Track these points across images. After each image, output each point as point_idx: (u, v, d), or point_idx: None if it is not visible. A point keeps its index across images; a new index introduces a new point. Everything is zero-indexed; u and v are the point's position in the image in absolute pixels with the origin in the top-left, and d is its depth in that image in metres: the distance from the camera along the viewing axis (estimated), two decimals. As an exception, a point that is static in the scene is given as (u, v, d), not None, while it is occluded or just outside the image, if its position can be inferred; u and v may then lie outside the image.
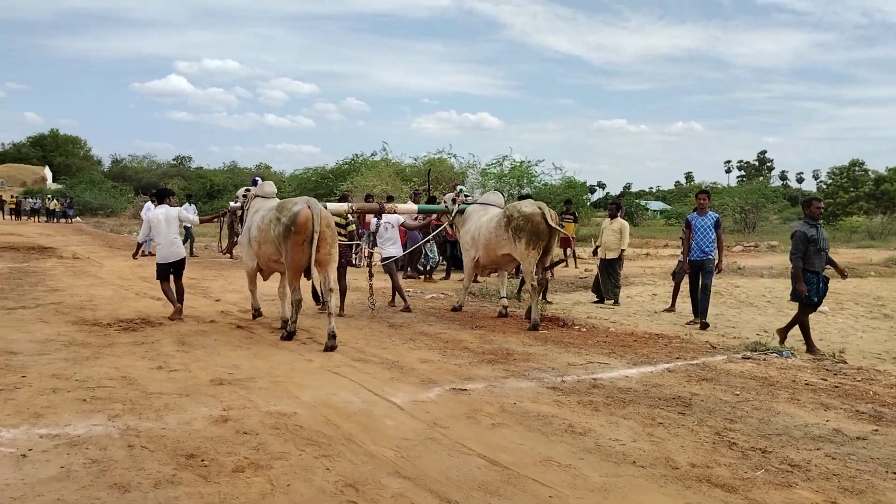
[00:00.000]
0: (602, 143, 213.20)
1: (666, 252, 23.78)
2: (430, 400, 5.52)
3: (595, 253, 11.73)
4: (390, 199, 17.56)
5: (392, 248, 10.62)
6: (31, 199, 48.92)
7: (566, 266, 17.45)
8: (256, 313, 9.14)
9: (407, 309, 10.17)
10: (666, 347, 7.80)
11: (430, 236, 12.65)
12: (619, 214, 11.50)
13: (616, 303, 11.11)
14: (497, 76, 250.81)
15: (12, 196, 52.77)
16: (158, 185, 54.66)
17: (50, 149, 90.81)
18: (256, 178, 9.20)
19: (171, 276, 9.14)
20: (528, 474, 4.03)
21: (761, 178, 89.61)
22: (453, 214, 10.56)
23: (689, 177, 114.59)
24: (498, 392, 5.79)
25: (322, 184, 32.44)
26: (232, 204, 10.05)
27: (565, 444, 4.55)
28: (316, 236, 7.42)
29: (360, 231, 12.57)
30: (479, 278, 13.73)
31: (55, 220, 42.00)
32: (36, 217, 44.60)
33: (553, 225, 8.80)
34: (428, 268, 14.58)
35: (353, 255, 12.08)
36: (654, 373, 6.59)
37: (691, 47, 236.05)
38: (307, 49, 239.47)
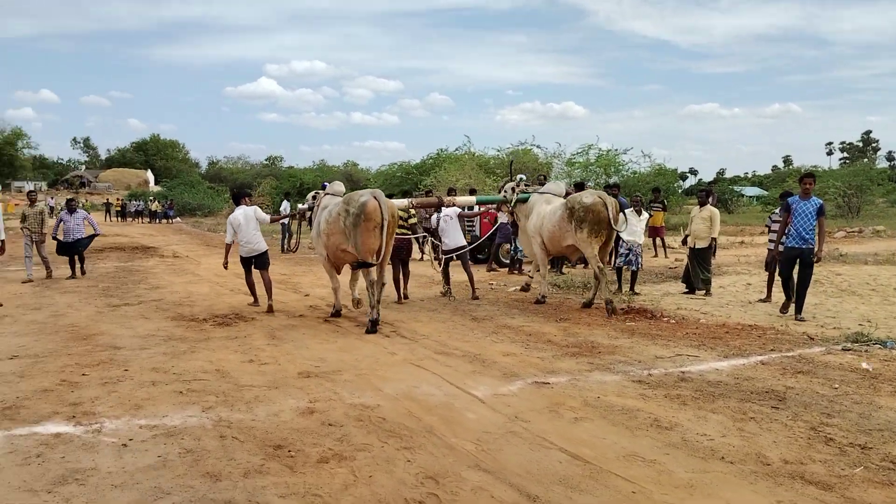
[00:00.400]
0: (693, 128, 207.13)
1: (762, 240, 22.77)
2: (512, 393, 5.50)
3: (684, 242, 11.33)
4: (473, 191, 17.80)
5: (455, 237, 10.88)
6: (134, 202, 51.71)
7: (656, 256, 17.02)
8: (336, 313, 9.23)
9: (474, 297, 10.57)
10: (760, 339, 7.49)
11: (493, 228, 13.69)
12: (709, 202, 11.10)
13: (708, 293, 10.73)
14: (582, 65, 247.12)
15: (118, 199, 55.87)
16: (250, 184, 56.79)
17: (152, 153, 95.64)
18: (325, 183, 9.82)
19: (253, 269, 9.90)
20: (611, 469, 3.96)
21: (866, 159, 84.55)
22: (513, 204, 10.71)
23: (787, 161, 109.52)
24: (581, 385, 5.71)
25: (407, 179, 32.81)
26: (300, 206, 10.62)
27: (650, 439, 4.44)
28: (385, 223, 8.03)
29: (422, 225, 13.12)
30: (564, 269, 13.60)
31: (157, 220, 44.18)
32: (139, 218, 47.08)
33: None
34: (517, 259, 14.43)
35: (420, 249, 12.29)
36: (747, 365, 6.35)
37: (787, 25, 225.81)
38: (391, 47, 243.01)
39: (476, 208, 12.30)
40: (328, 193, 9.36)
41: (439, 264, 11.13)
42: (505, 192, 10.82)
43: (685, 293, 10.91)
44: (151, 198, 53.01)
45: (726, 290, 11.33)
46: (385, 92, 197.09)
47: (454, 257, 10.93)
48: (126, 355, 6.83)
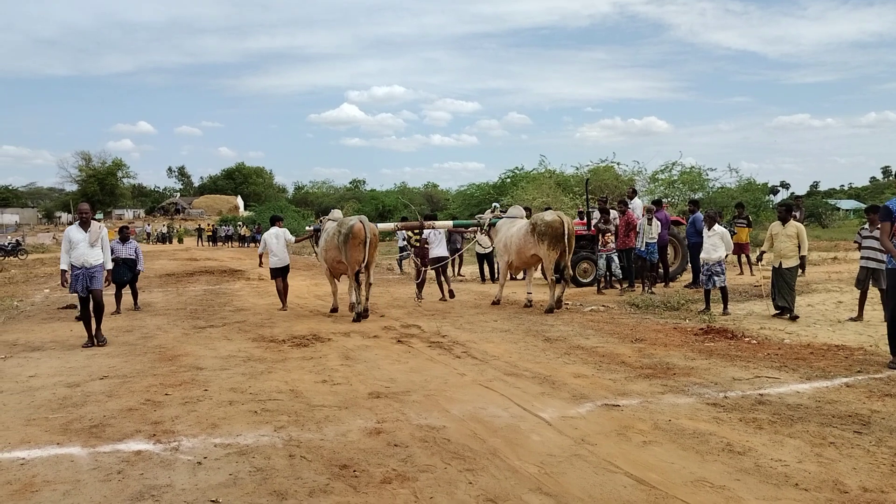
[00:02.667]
0: (783, 140, 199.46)
1: (856, 255, 21.69)
2: (580, 416, 5.42)
3: (759, 259, 10.69)
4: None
5: (438, 249, 13.30)
6: (224, 227, 53.80)
7: (741, 273, 16.45)
8: (334, 310, 11.73)
9: (445, 299, 12.93)
10: (846, 360, 7.12)
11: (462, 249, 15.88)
12: (793, 217, 10.51)
13: (792, 316, 9.85)
14: (664, 79, 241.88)
15: (209, 224, 58.28)
16: (334, 206, 58.30)
17: (239, 180, 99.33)
18: (331, 208, 12.82)
19: (281, 278, 12.53)
20: (677, 494, 3.84)
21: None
22: (484, 226, 13.16)
23: (886, 171, 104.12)
24: (653, 408, 5.58)
25: (485, 199, 32.91)
26: (307, 228, 13.43)
27: (721, 464, 4.29)
28: (368, 241, 10.52)
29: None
30: (647, 289, 13.31)
31: (246, 244, 45.81)
32: (229, 242, 48.94)
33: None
34: (611, 278, 14.08)
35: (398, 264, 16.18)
36: (830, 388, 6.05)
37: (881, 31, 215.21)
38: (469, 69, 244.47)
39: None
40: (331, 219, 11.85)
41: (417, 275, 13.67)
42: (481, 218, 13.39)
43: (777, 315, 10.13)
44: (240, 223, 55.11)
45: (815, 308, 10.84)
46: (463, 113, 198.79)
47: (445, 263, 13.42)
48: (207, 376, 7.10)
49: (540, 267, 12.12)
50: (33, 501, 3.95)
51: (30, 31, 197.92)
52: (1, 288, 18.21)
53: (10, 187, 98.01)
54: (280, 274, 12.56)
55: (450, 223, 14.58)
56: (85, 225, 8.92)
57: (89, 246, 8.81)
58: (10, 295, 16.08)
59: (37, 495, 4.04)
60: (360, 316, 10.57)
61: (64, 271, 8.93)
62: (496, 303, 12.22)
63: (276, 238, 12.52)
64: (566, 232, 11.01)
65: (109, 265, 9.20)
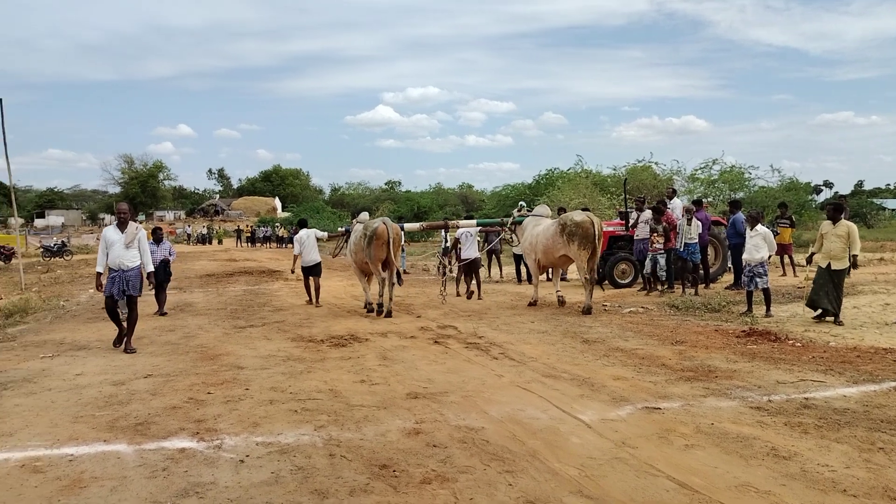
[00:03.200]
0: (827, 138, 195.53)
1: (905, 256, 21.14)
2: (620, 418, 5.37)
3: (809, 261, 10.34)
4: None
5: (469, 251, 13.94)
6: (263, 228, 54.46)
7: (784, 275, 16.14)
8: (368, 307, 12.09)
9: (479, 297, 13.47)
10: (895, 364, 6.94)
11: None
12: (843, 216, 10.05)
13: (837, 320, 9.52)
14: (702, 77, 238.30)
15: (248, 226, 59.07)
16: (369, 207, 58.85)
17: (277, 182, 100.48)
18: (358, 212, 13.16)
19: (311, 276, 13.38)
20: (720, 499, 3.78)
21: None
22: (509, 225, 13.20)
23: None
24: (694, 411, 5.50)
25: (519, 200, 32.81)
26: (340, 229, 14.16)
27: (766, 469, 4.21)
28: (391, 241, 11.16)
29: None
30: (687, 291, 13.13)
31: (284, 245, 46.32)
32: (268, 243, 49.52)
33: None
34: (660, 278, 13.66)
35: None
36: (878, 392, 5.90)
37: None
38: (504, 69, 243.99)
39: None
40: (358, 222, 12.50)
41: (451, 272, 14.43)
42: (510, 216, 13.36)
43: (818, 318, 9.77)
44: (278, 224, 55.74)
45: (861, 310, 10.58)
46: (498, 114, 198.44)
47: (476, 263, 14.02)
48: (248, 375, 7.20)
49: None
50: (82, 497, 4.05)
51: (75, 37, 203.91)
52: (47, 288, 18.69)
53: (56, 189, 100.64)
54: (311, 273, 13.40)
55: (472, 222, 14.84)
56: (122, 225, 8.65)
57: (124, 247, 8.53)
58: (56, 295, 16.48)
59: (85, 491, 4.13)
60: (388, 314, 11.25)
61: (99, 274, 8.74)
62: (533, 304, 12.21)
63: (308, 238, 13.46)
64: (595, 233, 11.11)
65: (150, 267, 8.96)
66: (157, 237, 12.81)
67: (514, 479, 4.17)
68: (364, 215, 12.84)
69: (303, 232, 13.61)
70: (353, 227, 12.53)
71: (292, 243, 47.77)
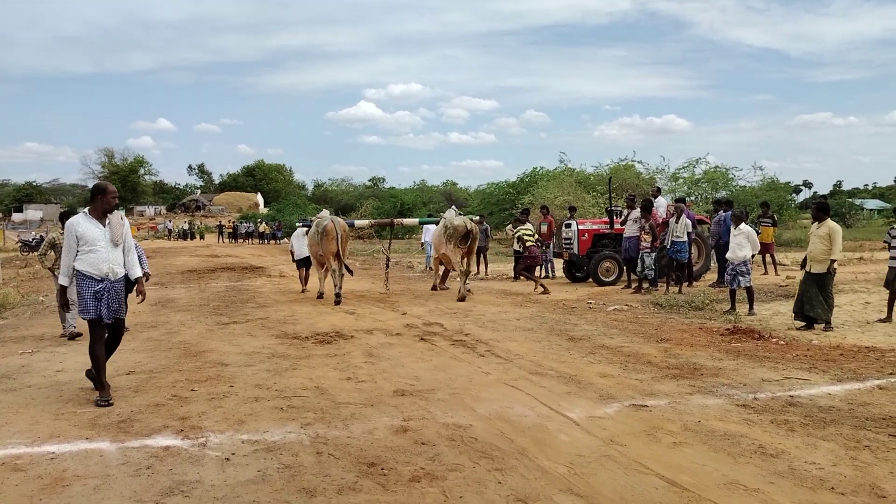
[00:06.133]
0: (805, 139, 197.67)
1: (882, 255, 21.37)
2: (608, 416, 5.37)
3: (803, 265, 9.48)
4: (572, 208, 17.77)
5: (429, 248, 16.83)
6: (245, 224, 54.06)
7: (766, 273, 16.28)
8: (320, 295, 13.84)
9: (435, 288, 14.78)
10: (878, 362, 7.01)
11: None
12: (826, 216, 9.38)
13: (828, 326, 9.03)
14: (684, 77, 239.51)
15: (230, 221, 58.64)
16: (355, 205, 58.75)
17: (259, 177, 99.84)
18: (320, 209, 15.10)
19: (305, 269, 15.28)
20: (710, 497, 3.79)
21: None
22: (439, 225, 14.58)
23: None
24: (681, 409, 5.52)
25: (504, 198, 32.82)
26: (298, 224, 15.88)
27: (754, 467, 4.23)
28: (339, 236, 12.71)
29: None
30: (671, 289, 13.19)
31: (266, 241, 46.03)
32: (250, 239, 49.18)
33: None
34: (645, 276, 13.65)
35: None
36: (863, 390, 5.95)
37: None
38: (487, 66, 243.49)
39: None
40: (317, 219, 13.83)
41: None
42: (444, 216, 14.34)
43: (802, 328, 9.14)
44: (260, 220, 55.35)
45: (842, 309, 10.68)
46: (481, 111, 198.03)
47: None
48: (232, 372, 7.12)
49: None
50: (64, 496, 3.97)
51: (54, 28, 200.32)
52: (26, 283, 18.42)
53: (34, 184, 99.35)
54: (302, 264, 15.35)
55: (414, 220, 19.63)
56: (104, 217, 6.03)
57: (112, 246, 6.01)
58: (35, 290, 16.25)
59: (67, 489, 4.05)
60: (338, 297, 12.69)
61: (64, 289, 6.14)
62: (434, 289, 14.47)
63: (299, 236, 15.25)
64: (470, 234, 13.13)
65: (139, 271, 6.38)
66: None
67: (503, 476, 4.15)
68: (325, 213, 14.15)
69: (297, 231, 15.55)
70: (314, 224, 13.88)
71: (276, 239, 47.26)
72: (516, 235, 15.00)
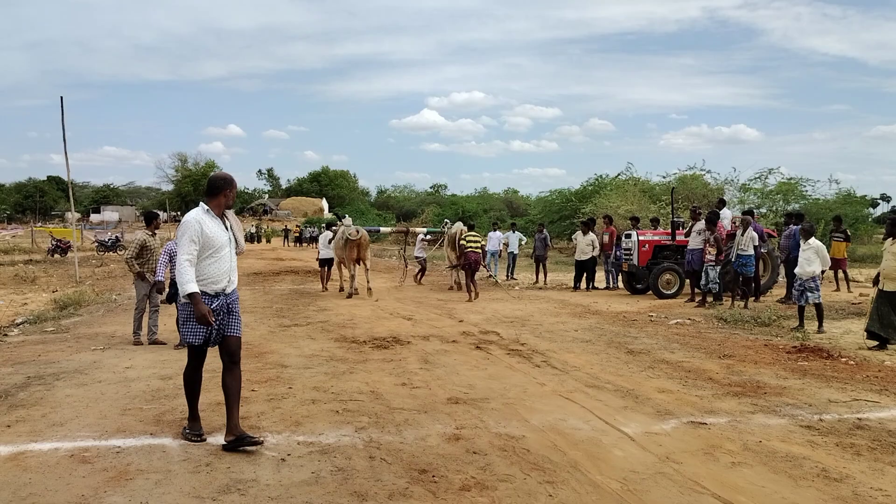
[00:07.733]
0: (884, 150, 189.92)
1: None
2: (665, 432, 5.26)
3: (875, 282, 9.00)
4: (635, 219, 17.45)
5: (419, 252, 19.43)
6: (310, 228, 55.10)
7: (837, 290, 15.70)
8: (349, 295, 15.12)
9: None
10: (956, 386, 6.67)
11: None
12: None
13: None
14: (755, 86, 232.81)
15: (296, 226, 59.83)
16: (416, 212, 59.17)
17: (325, 183, 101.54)
18: (343, 216, 16.16)
19: (326, 268, 17.07)
20: (768, 521, 3.68)
21: None
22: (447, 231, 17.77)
23: None
24: (742, 428, 5.36)
25: (566, 206, 32.53)
26: (327, 231, 17.41)
27: (815, 490, 4.08)
28: (362, 244, 14.87)
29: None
30: (737, 303, 12.85)
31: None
32: (314, 244, 50.03)
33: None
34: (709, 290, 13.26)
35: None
36: (938, 416, 5.67)
37: None
38: (551, 74, 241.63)
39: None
40: (344, 225, 15.29)
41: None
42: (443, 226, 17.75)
43: (874, 348, 8.67)
44: (324, 225, 56.25)
45: (919, 329, 10.20)
46: (544, 119, 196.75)
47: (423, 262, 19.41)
48: (291, 374, 7.27)
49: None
50: (127, 489, 4.12)
51: (132, 37, 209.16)
52: (101, 282, 19.21)
53: (111, 186, 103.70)
54: (324, 264, 17.01)
55: (423, 229, 21.61)
56: (223, 217, 5.06)
57: (234, 253, 5.18)
58: (109, 289, 16.92)
59: (131, 483, 4.21)
60: (350, 296, 14.91)
61: (196, 295, 4.76)
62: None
63: (324, 238, 17.18)
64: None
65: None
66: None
67: (554, 489, 4.12)
68: (347, 220, 15.55)
69: (323, 234, 17.67)
70: (339, 229, 15.62)
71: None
72: (460, 243, 15.35)
